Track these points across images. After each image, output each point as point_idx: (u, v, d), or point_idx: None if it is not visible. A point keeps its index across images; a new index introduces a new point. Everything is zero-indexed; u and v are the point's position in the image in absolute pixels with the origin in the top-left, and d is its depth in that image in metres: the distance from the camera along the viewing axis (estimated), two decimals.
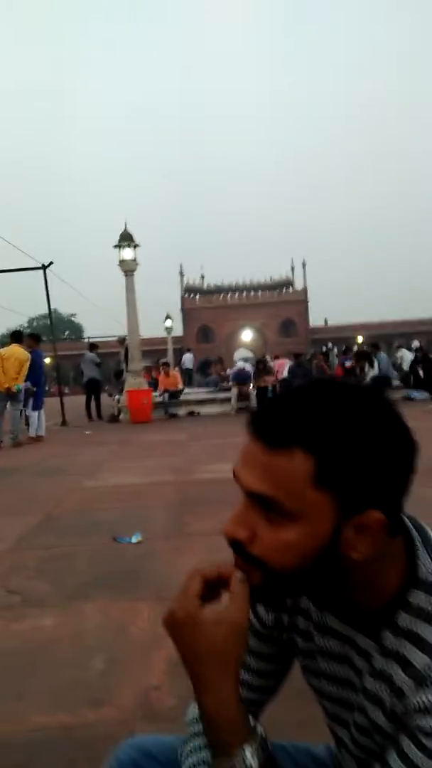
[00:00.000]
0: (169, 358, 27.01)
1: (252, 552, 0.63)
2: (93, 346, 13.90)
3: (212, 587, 0.67)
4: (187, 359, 21.65)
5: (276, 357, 15.82)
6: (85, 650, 2.25)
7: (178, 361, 25.09)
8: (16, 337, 9.42)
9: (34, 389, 9.42)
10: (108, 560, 3.27)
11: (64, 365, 43.10)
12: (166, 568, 3.09)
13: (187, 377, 19.34)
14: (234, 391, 12.77)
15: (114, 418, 12.35)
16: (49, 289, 12.22)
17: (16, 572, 3.16)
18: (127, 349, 13.11)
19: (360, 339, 37.11)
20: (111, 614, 2.56)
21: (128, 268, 12.48)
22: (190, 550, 3.34)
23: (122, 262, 12.44)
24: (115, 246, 12.36)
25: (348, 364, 13.96)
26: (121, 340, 14.14)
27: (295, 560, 0.62)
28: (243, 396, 12.66)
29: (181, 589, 0.66)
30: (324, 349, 15.03)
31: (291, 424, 0.60)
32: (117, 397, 13.23)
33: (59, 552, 3.47)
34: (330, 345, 16.47)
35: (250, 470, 0.62)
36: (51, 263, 12.12)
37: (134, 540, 3.55)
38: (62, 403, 12.77)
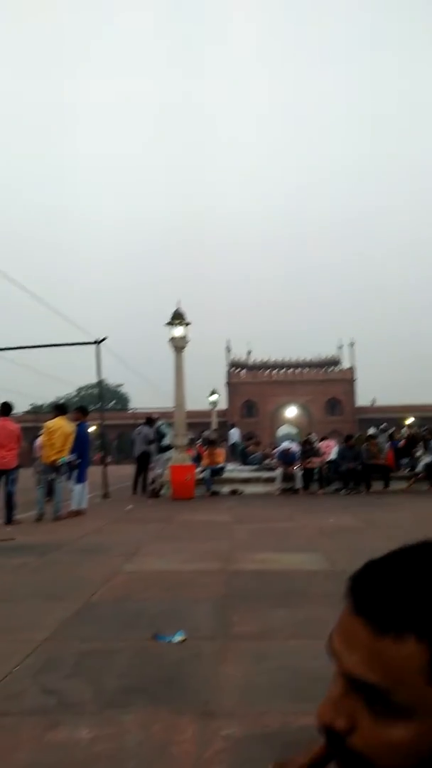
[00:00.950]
0: (213, 431, 26.95)
1: (352, 745, 0.52)
2: (150, 420, 13.91)
3: None
4: (234, 434, 21.51)
5: (323, 438, 15.51)
6: None
7: (222, 435, 24.97)
8: (60, 409, 9.55)
9: (78, 461, 9.44)
10: (149, 661, 3.08)
11: (109, 435, 43.64)
12: (211, 676, 2.87)
13: (234, 452, 19.16)
14: (279, 471, 12.51)
15: (155, 494, 12.21)
16: (99, 360, 12.56)
17: (53, 668, 2.99)
18: (158, 428, 13.16)
19: (409, 420, 36.28)
20: (151, 730, 2.36)
21: (178, 345, 12.71)
22: (236, 656, 3.11)
23: (173, 339, 12.69)
24: (167, 324, 12.66)
25: (399, 444, 13.56)
26: (150, 419, 14.08)
27: (403, 760, 0.51)
28: (288, 477, 12.38)
29: None
30: (373, 430, 14.64)
31: (405, 606, 0.50)
32: (159, 471, 13.15)
33: (99, 647, 3.29)
34: (384, 425, 16.03)
35: (353, 651, 0.52)
36: (104, 339, 12.50)
37: (176, 639, 3.34)
38: (105, 475, 12.75)
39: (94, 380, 14.43)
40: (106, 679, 2.85)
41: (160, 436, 13.13)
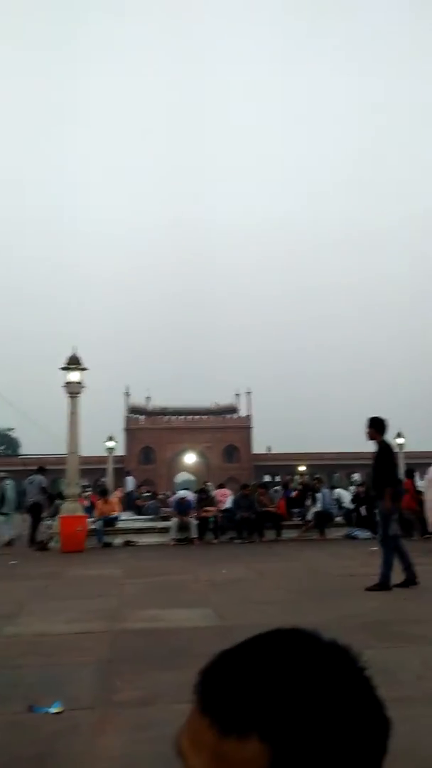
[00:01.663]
0: (109, 478, 26.26)
1: None
2: (42, 469, 13.31)
3: None
4: (130, 482, 21.09)
5: (220, 486, 15.57)
6: None
7: (117, 483, 24.38)
8: None
9: None
10: (21, 736, 2.84)
11: None
12: (87, 750, 2.70)
13: (128, 502, 18.74)
14: (174, 521, 12.35)
15: (43, 546, 11.59)
16: None
17: None
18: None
19: (302, 468, 37.48)
20: None
21: (73, 391, 12.39)
22: (116, 726, 2.95)
23: (68, 384, 12.36)
24: (63, 368, 12.35)
25: (291, 494, 13.89)
26: (42, 468, 13.60)
27: None
28: (184, 526, 12.24)
29: None
30: (268, 479, 14.95)
31: (248, 707, 0.48)
32: (48, 522, 12.55)
33: None
34: (278, 488, 16.45)
35: (198, 752, 0.50)
36: None
37: (53, 710, 3.12)
38: None
39: None
40: None
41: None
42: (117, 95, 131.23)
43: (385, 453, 6.53)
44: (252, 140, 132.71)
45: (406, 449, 28.75)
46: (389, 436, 6.90)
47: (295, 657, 0.52)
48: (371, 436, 6.55)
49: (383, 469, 6.48)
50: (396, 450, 6.77)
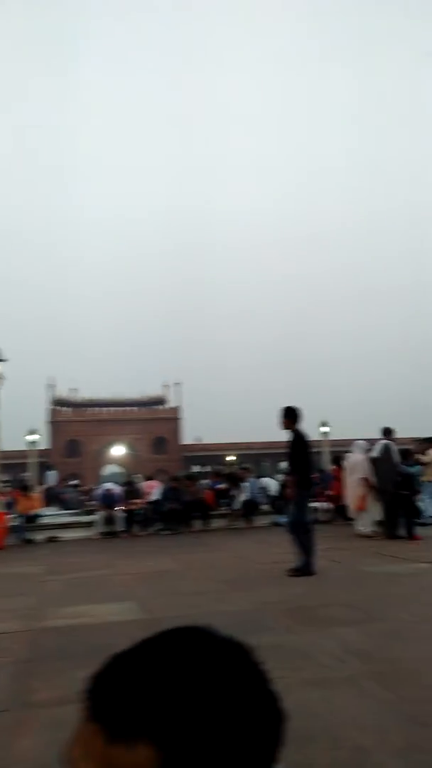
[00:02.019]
0: (32, 473, 25.50)
1: None
2: None
3: None
4: (51, 476, 20.53)
5: (149, 478, 15.43)
6: None
7: (41, 477, 23.72)
8: None
9: None
10: None
11: None
12: (3, 754, 2.57)
13: (50, 497, 18.24)
14: (100, 514, 12.14)
15: None
16: None
17: None
18: None
19: (230, 458, 37.91)
20: None
21: None
22: (31, 729, 2.83)
23: None
24: None
25: (219, 486, 13.94)
26: None
27: None
28: (110, 519, 12.06)
29: None
30: (198, 469, 14.99)
31: (137, 712, 0.47)
32: None
33: None
34: (208, 472, 16.49)
35: (87, 761, 0.49)
36: None
37: None
38: None
39: None
40: None
41: None
42: (116, 90, 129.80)
43: (299, 441, 6.65)
44: (252, 130, 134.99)
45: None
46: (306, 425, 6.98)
47: (187, 657, 0.51)
48: (286, 426, 6.65)
49: (296, 457, 6.61)
50: (309, 438, 6.86)
